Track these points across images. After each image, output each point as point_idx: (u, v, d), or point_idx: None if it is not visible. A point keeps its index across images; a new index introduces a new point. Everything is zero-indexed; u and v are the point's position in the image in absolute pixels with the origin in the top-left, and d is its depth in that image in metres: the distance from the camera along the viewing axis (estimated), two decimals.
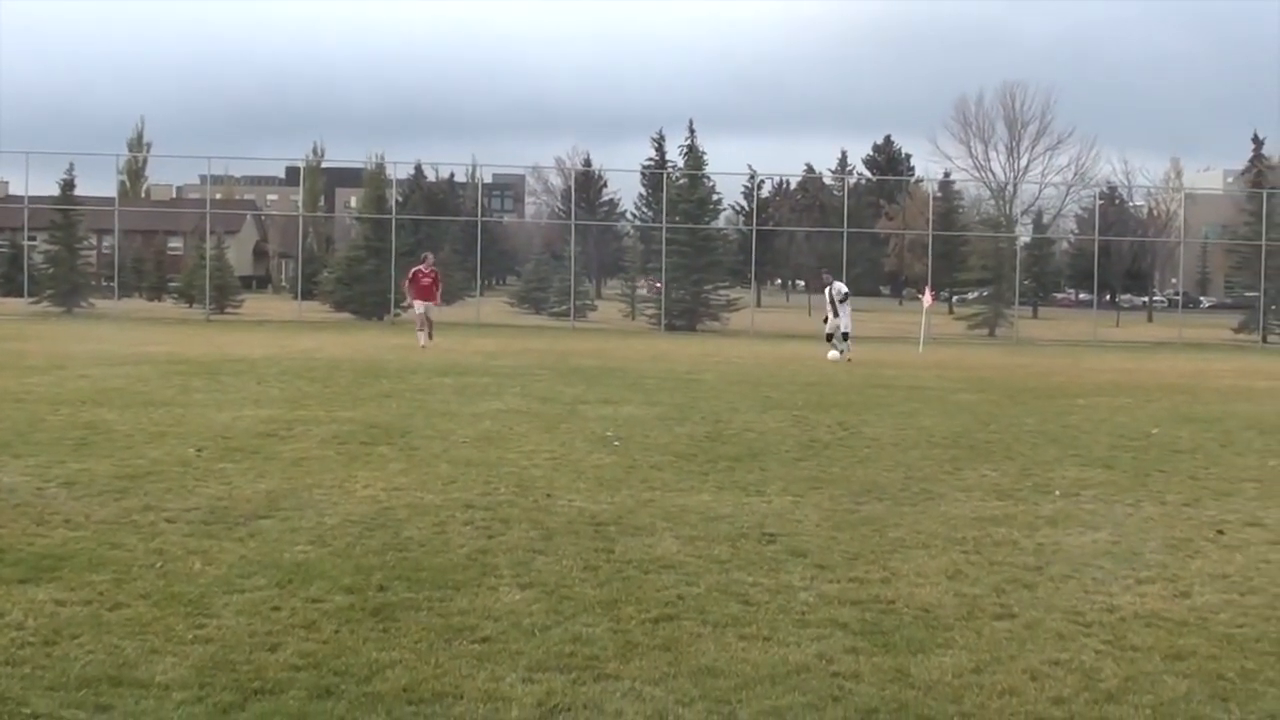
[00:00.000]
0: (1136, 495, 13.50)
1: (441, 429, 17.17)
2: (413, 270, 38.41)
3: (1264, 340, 62.00)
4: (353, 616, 7.89)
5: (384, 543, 9.97)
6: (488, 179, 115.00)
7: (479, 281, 68.33)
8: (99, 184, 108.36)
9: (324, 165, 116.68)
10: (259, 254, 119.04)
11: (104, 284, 70.28)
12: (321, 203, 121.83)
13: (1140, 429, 19.66)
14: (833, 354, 35.18)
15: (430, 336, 36.33)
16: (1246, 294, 70.21)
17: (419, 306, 37.44)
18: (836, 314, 35.81)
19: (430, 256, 39.81)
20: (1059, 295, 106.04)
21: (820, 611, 8.35)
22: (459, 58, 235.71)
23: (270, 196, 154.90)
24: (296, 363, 28.91)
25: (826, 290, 36.80)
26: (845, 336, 35.50)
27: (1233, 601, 8.99)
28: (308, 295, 64.97)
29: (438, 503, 11.76)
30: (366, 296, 61.42)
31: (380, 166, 72.73)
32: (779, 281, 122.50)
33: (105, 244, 73.72)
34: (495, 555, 9.65)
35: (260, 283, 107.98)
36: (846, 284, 38.36)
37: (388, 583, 8.70)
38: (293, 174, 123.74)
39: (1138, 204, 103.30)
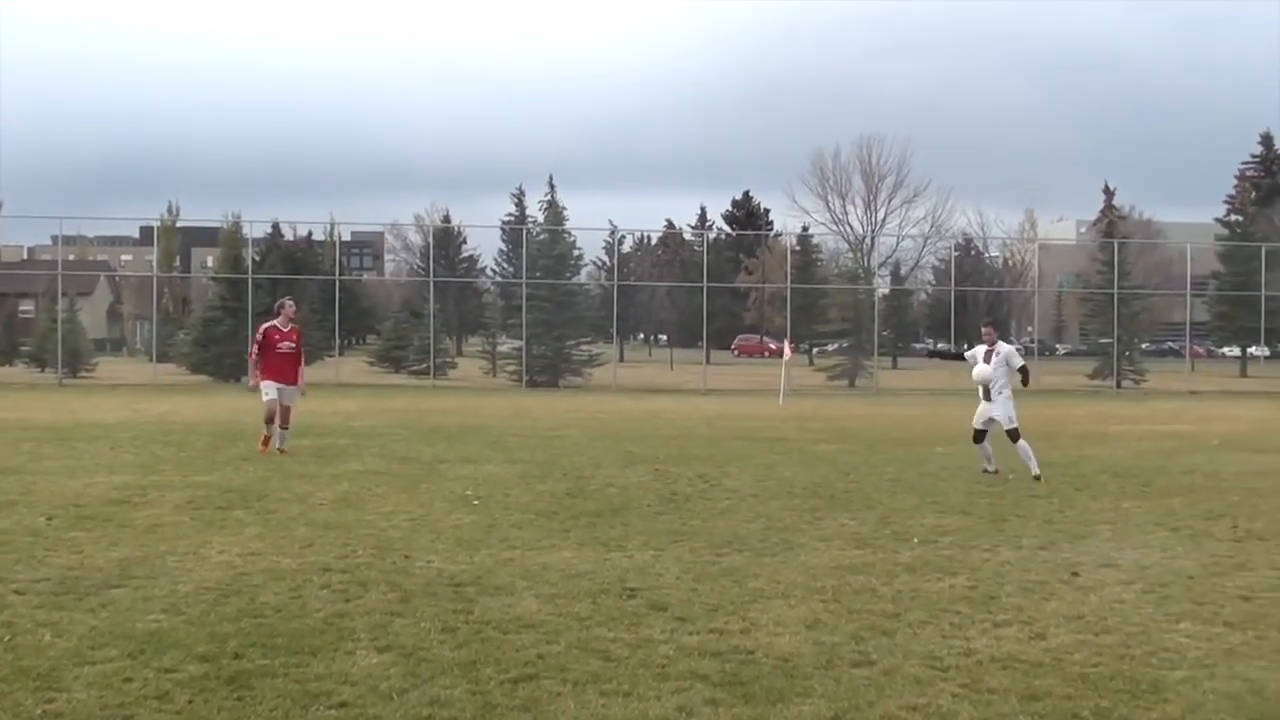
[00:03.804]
0: (993, 540, 13.72)
1: (299, 492, 16.99)
2: (263, 329, 23.55)
3: (1118, 386, 63.29)
4: (207, 686, 7.77)
5: (239, 609, 9.83)
6: (346, 237, 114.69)
7: (338, 341, 67.80)
8: None
9: (179, 225, 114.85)
10: (113, 316, 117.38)
11: None
12: (177, 263, 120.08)
13: (997, 475, 19.93)
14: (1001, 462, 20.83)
15: (284, 434, 22.83)
16: (1101, 341, 71.71)
17: (268, 390, 22.82)
18: (989, 396, 21.02)
19: (290, 304, 24.15)
20: (917, 345, 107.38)
21: (680, 664, 8.37)
22: (315, 115, 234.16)
23: (124, 257, 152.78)
24: (151, 427, 28.49)
25: (984, 352, 21.24)
26: (1015, 434, 20.55)
27: (1087, 642, 9.18)
28: (163, 357, 64.11)
29: (294, 567, 11.62)
30: (223, 358, 60.65)
31: (236, 225, 71.64)
32: (641, 336, 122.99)
33: None
34: (353, 619, 9.55)
35: (115, 345, 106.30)
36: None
37: (243, 650, 8.58)
38: (147, 234, 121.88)
39: (993, 254, 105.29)
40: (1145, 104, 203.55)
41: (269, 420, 22.72)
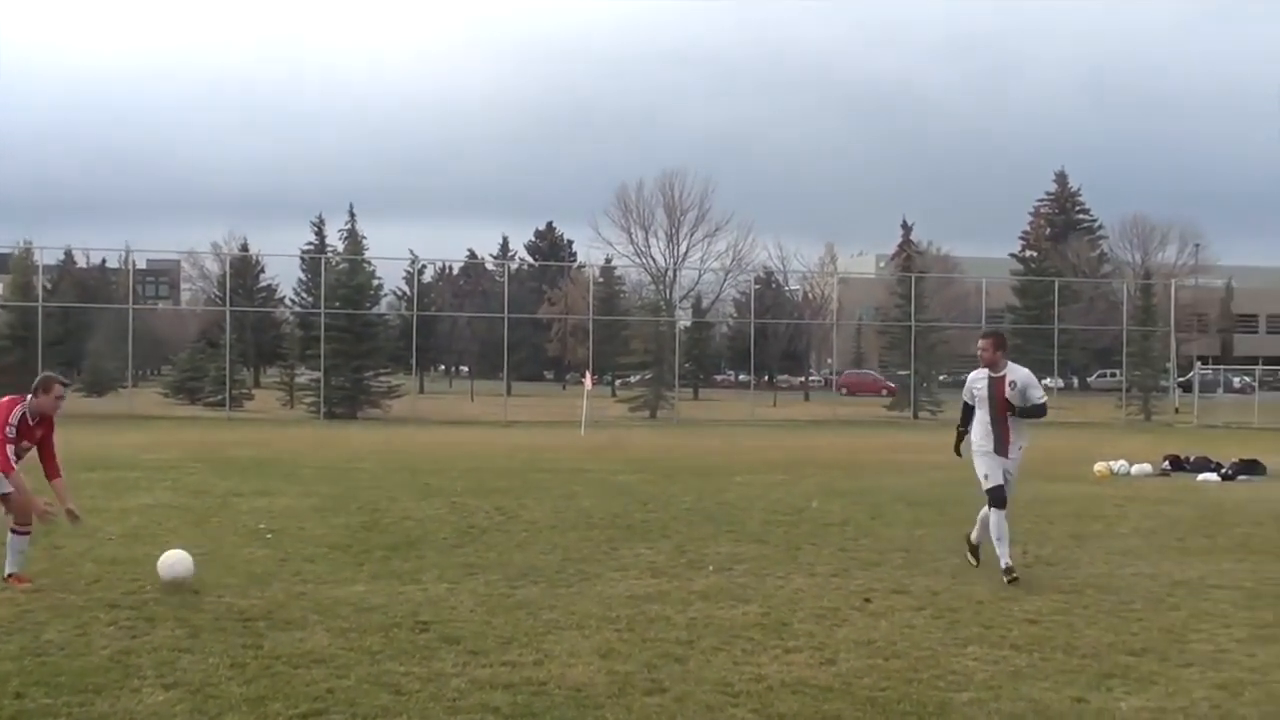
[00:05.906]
0: (787, 568, 13.92)
1: (87, 526, 16.55)
2: (17, 415, 13.26)
3: (915, 416, 64.53)
4: None
5: (21, 647, 9.61)
6: (141, 265, 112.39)
7: (131, 372, 66.49)
8: None
9: None
10: None
11: None
12: None
13: (794, 504, 20.21)
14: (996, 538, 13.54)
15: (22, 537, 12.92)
16: (899, 373, 73.13)
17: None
18: (1003, 449, 13.90)
19: (60, 389, 13.60)
20: (718, 377, 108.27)
21: (472, 697, 8.36)
22: (110, 139, 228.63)
23: None
24: None
25: (990, 382, 13.89)
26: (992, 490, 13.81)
27: (877, 666, 9.37)
28: None
29: (80, 603, 11.38)
30: (10, 389, 58.43)
31: (27, 251, 70.00)
32: (442, 367, 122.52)
33: None
34: (139, 655, 9.39)
35: None
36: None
37: (24, 689, 8.40)
38: None
39: (794, 288, 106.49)
40: (942, 142, 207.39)
41: (22, 525, 12.86)
